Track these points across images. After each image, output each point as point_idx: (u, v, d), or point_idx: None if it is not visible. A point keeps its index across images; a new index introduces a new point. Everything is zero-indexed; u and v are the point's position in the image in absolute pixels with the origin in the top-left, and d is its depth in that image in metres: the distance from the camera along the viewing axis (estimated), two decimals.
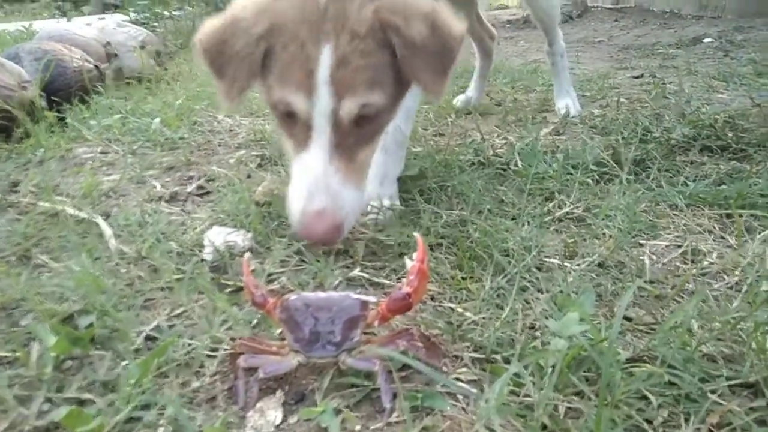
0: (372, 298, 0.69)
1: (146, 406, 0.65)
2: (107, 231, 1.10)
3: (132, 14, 3.97)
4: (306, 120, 0.92)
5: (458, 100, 2.25)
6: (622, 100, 2.17)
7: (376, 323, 0.69)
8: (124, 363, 0.75)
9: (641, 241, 1.13)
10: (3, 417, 0.67)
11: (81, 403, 0.68)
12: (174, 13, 4.30)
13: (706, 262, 1.04)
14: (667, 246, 1.12)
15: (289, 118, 0.95)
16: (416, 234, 0.75)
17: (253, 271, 0.95)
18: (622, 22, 5.35)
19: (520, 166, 1.47)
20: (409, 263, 0.70)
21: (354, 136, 0.94)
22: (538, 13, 2.07)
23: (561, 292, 0.90)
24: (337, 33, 0.91)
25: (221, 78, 0.97)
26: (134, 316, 0.85)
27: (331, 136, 0.91)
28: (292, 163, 0.97)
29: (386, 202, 1.18)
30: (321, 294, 0.69)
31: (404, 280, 0.70)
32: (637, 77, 2.85)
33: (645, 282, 0.96)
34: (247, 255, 0.78)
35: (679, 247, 1.10)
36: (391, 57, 0.94)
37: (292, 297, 0.68)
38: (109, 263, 1.00)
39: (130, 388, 0.67)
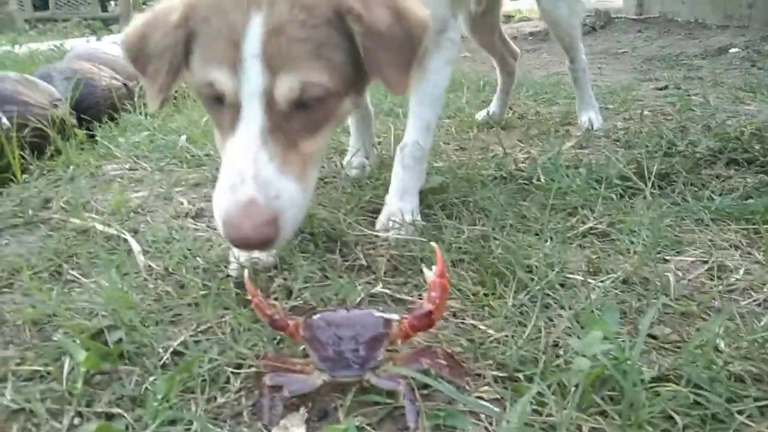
0: (394, 316, 0.69)
1: (173, 422, 0.67)
2: (136, 247, 1.12)
3: None
4: (233, 101, 0.80)
5: (480, 115, 2.25)
6: (645, 112, 2.15)
7: (399, 341, 0.70)
8: (151, 378, 0.76)
9: (666, 257, 1.12)
10: (36, 430, 0.68)
11: (110, 417, 0.70)
12: None
13: (732, 279, 1.03)
14: (692, 262, 1.10)
15: (216, 103, 0.84)
16: (434, 245, 0.75)
17: (275, 288, 0.97)
18: (645, 33, 5.32)
19: (542, 180, 1.46)
20: (428, 275, 0.70)
21: (296, 122, 0.82)
22: (557, 31, 2.01)
23: (584, 309, 0.89)
24: (271, 1, 0.80)
25: (145, 76, 0.90)
26: (161, 331, 0.86)
27: (264, 118, 0.79)
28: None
29: (407, 217, 1.19)
30: (343, 312, 0.70)
31: (425, 295, 0.71)
32: (661, 89, 2.83)
33: (670, 299, 0.96)
34: (247, 276, 0.76)
35: (705, 263, 1.08)
36: (346, 41, 0.84)
37: (316, 316, 0.69)
38: (137, 279, 1.02)
39: (157, 404, 0.69)
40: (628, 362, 0.67)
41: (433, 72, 1.30)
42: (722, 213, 1.27)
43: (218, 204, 0.80)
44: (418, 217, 1.22)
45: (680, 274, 1.06)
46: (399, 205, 1.21)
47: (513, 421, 0.58)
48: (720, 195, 1.36)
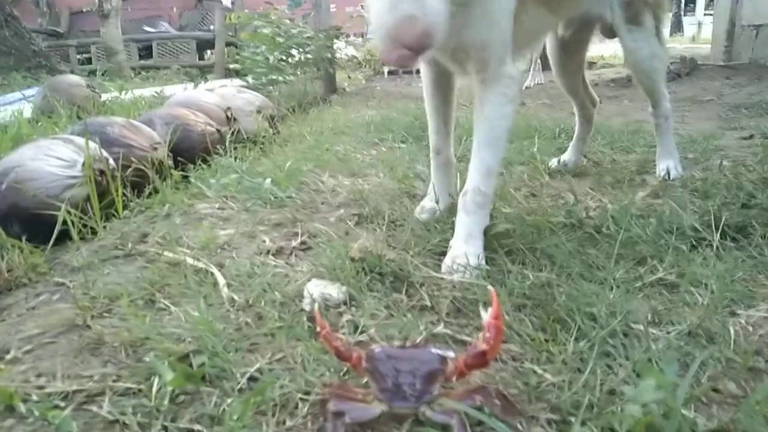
0: (450, 353, 0.74)
1: None
2: (221, 280, 1.22)
3: (251, 80, 4.33)
4: None
5: (553, 163, 2.27)
6: (725, 162, 2.10)
7: (453, 378, 0.74)
8: (229, 400, 0.84)
9: (737, 311, 1.10)
10: None
11: None
12: (288, 78, 4.66)
13: None
14: (765, 317, 1.08)
15: None
16: (490, 288, 0.80)
17: (343, 323, 1.03)
18: (734, 80, 5.15)
19: (612, 229, 1.47)
20: (485, 316, 0.75)
21: None
22: (639, 76, 2.00)
23: (644, 359, 0.90)
24: None
25: None
26: (240, 358, 0.94)
27: None
28: None
29: (473, 261, 1.23)
30: (403, 347, 0.75)
31: (480, 335, 0.75)
32: (746, 138, 2.75)
33: (736, 353, 0.95)
34: (317, 309, 0.84)
35: None
36: None
37: (377, 349, 0.75)
38: (221, 309, 1.12)
39: (233, 423, 0.76)
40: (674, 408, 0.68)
41: (491, 110, 1.33)
42: None
43: (379, 20, 0.91)
44: (483, 261, 1.26)
45: (750, 329, 1.05)
46: (463, 249, 1.26)
47: None
48: None
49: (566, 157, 2.28)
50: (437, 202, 1.63)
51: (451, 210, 1.62)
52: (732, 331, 0.99)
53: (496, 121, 1.34)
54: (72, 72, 6.10)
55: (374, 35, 0.94)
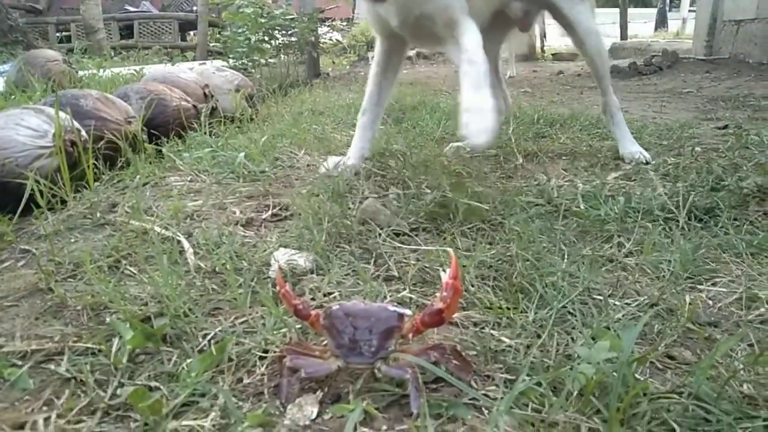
0: (408, 311, 0.74)
1: (202, 395, 0.74)
2: (188, 248, 1.21)
3: (231, 60, 4.29)
4: None
5: (452, 148, 2.19)
6: (697, 149, 2.13)
7: (410, 335, 0.75)
8: (188, 360, 0.84)
9: (698, 286, 1.12)
10: (84, 396, 0.77)
11: (149, 389, 0.77)
12: (270, 60, 4.62)
13: (762, 309, 1.02)
14: (725, 291, 1.10)
15: None
16: (449, 250, 0.80)
17: (309, 290, 1.03)
18: (714, 74, 5.20)
19: (582, 207, 1.48)
20: (444, 276, 0.75)
21: None
22: (591, 50, 2.11)
23: (604, 326, 0.92)
24: None
25: None
26: (202, 321, 0.94)
27: None
28: None
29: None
30: (361, 304, 0.76)
31: (437, 295, 0.75)
32: (720, 128, 2.78)
33: (694, 324, 0.96)
34: (278, 268, 0.85)
35: (737, 293, 1.08)
36: None
37: (335, 306, 0.75)
38: (187, 276, 1.11)
39: (191, 379, 0.76)
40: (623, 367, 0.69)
41: (470, 55, 1.51)
42: (762, 247, 1.26)
43: None
44: None
45: (710, 302, 1.07)
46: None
47: (501, 408, 0.62)
48: (765, 231, 1.35)
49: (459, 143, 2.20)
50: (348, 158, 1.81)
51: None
52: (686, 303, 1.00)
53: (479, 66, 1.48)
54: (50, 48, 5.98)
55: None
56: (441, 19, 1.58)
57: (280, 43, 4.83)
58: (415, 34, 1.72)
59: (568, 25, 2.05)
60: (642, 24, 13.94)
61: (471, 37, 1.53)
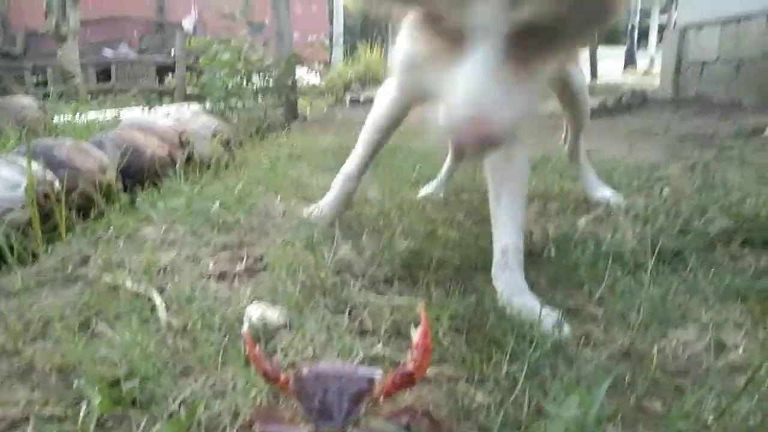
0: (379, 373, 0.74)
1: None
2: (159, 304, 1.20)
3: (208, 104, 4.31)
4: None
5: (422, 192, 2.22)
6: (666, 191, 2.18)
7: (381, 398, 0.74)
8: (158, 425, 0.82)
9: (667, 333, 1.14)
10: None
11: None
12: (247, 103, 4.65)
13: (731, 357, 1.04)
14: (693, 338, 1.12)
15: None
16: (420, 306, 0.81)
17: (281, 348, 1.03)
18: (681, 113, 5.36)
19: (553, 254, 1.51)
20: (414, 335, 0.75)
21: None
22: (580, 97, 2.00)
23: (576, 379, 0.92)
24: None
25: None
26: (173, 382, 0.93)
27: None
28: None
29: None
30: (331, 366, 0.76)
31: (408, 355, 0.76)
32: (689, 168, 2.85)
33: (663, 373, 0.98)
34: (246, 330, 0.84)
35: (706, 339, 1.10)
36: None
37: (305, 369, 0.75)
38: (158, 334, 1.10)
39: None
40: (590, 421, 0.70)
41: (517, 169, 1.36)
42: (730, 291, 1.29)
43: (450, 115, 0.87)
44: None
45: (680, 350, 1.08)
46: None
47: None
48: (732, 274, 1.38)
49: (430, 189, 2.25)
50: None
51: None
52: (656, 351, 1.02)
53: (521, 180, 1.37)
54: (27, 94, 5.96)
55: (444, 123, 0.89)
56: None
57: (257, 87, 4.88)
58: None
59: (561, 82, 1.93)
60: (610, 63, 14.36)
61: None
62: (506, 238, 1.32)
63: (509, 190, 1.35)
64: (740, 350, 1.06)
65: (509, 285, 1.27)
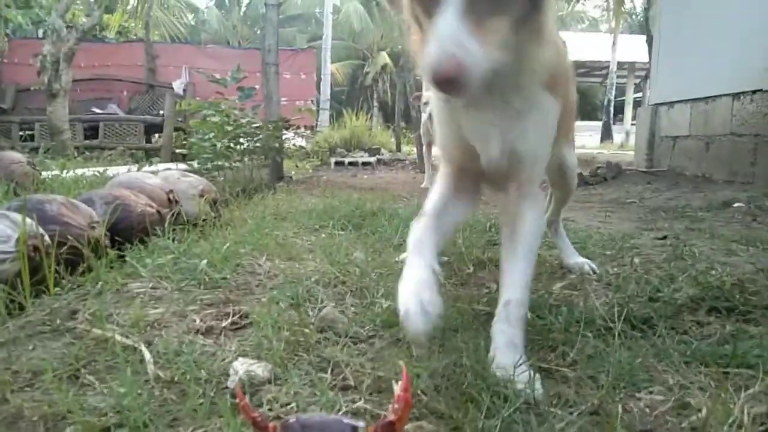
0: (362, 424, 0.79)
1: None
2: (148, 357, 1.24)
3: (196, 164, 4.41)
4: None
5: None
6: (637, 260, 2.28)
7: None
8: None
9: (636, 394, 1.19)
10: None
11: None
12: (234, 164, 4.75)
13: (694, 417, 1.10)
14: (660, 399, 1.18)
15: None
16: (401, 363, 0.86)
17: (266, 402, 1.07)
18: (654, 185, 5.56)
19: (529, 317, 1.57)
20: (396, 389, 0.81)
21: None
22: (569, 178, 2.13)
23: None
24: None
25: None
26: None
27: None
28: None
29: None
30: (316, 417, 0.80)
31: (389, 407, 0.81)
32: (660, 239, 2.96)
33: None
34: (238, 383, 0.88)
35: (671, 401, 1.16)
36: None
37: (291, 419, 0.79)
38: (146, 386, 1.13)
39: None
40: None
41: (530, 225, 1.38)
42: (696, 356, 1.36)
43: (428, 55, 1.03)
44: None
45: (647, 410, 1.14)
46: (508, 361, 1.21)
47: None
48: (698, 340, 1.45)
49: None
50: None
51: None
52: (624, 411, 1.07)
53: (534, 236, 1.40)
54: (12, 148, 6.01)
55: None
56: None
57: (245, 149, 4.99)
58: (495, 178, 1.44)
59: (557, 160, 1.98)
60: (588, 136, 14.85)
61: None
62: (512, 292, 1.34)
63: (522, 248, 1.37)
64: (703, 412, 1.12)
65: (502, 338, 1.27)
